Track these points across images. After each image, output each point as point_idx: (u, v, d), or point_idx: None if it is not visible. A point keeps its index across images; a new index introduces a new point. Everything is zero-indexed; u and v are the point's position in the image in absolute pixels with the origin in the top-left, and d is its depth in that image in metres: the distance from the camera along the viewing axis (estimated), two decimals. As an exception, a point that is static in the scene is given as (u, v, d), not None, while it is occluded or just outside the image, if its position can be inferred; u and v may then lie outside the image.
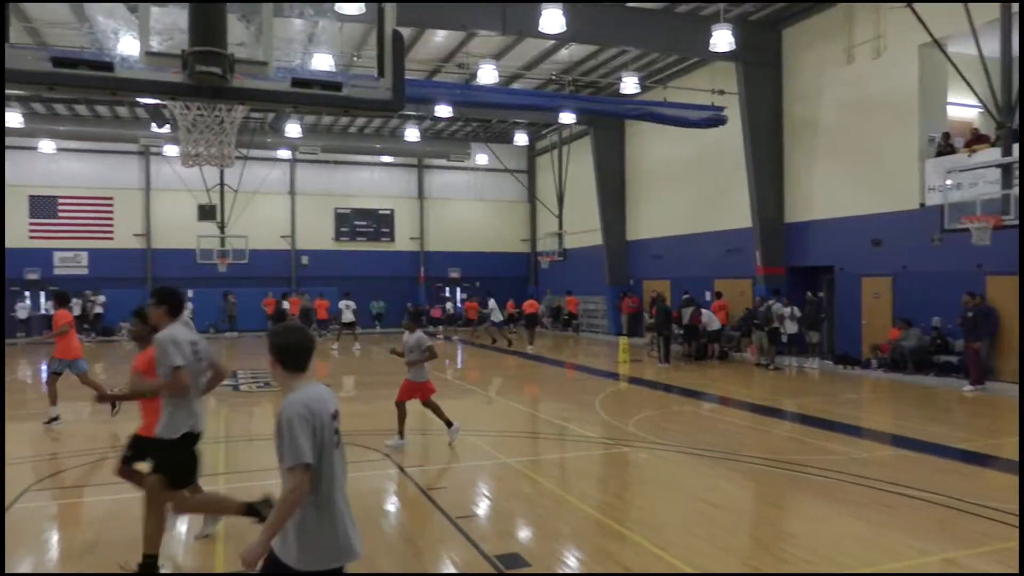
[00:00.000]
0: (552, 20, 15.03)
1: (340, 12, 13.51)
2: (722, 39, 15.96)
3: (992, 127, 13.99)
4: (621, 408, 12.66)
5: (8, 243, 29.38)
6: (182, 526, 6.36)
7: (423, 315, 9.07)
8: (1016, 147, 12.49)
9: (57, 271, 29.79)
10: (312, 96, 3.93)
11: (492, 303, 24.96)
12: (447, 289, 34.73)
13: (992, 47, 13.21)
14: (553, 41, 19.59)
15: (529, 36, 18.08)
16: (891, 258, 16.56)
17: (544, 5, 14.99)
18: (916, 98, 16.00)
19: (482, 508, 7.01)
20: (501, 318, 25.00)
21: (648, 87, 21.75)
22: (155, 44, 3.72)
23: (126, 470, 5.88)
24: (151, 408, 5.52)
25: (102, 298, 29.00)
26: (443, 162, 33.68)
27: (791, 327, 17.50)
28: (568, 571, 5.38)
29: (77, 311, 28.47)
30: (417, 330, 9.49)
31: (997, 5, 13.07)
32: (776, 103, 19.56)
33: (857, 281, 17.49)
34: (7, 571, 4.64)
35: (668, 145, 24.62)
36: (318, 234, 32.92)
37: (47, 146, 28.61)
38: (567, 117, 23.02)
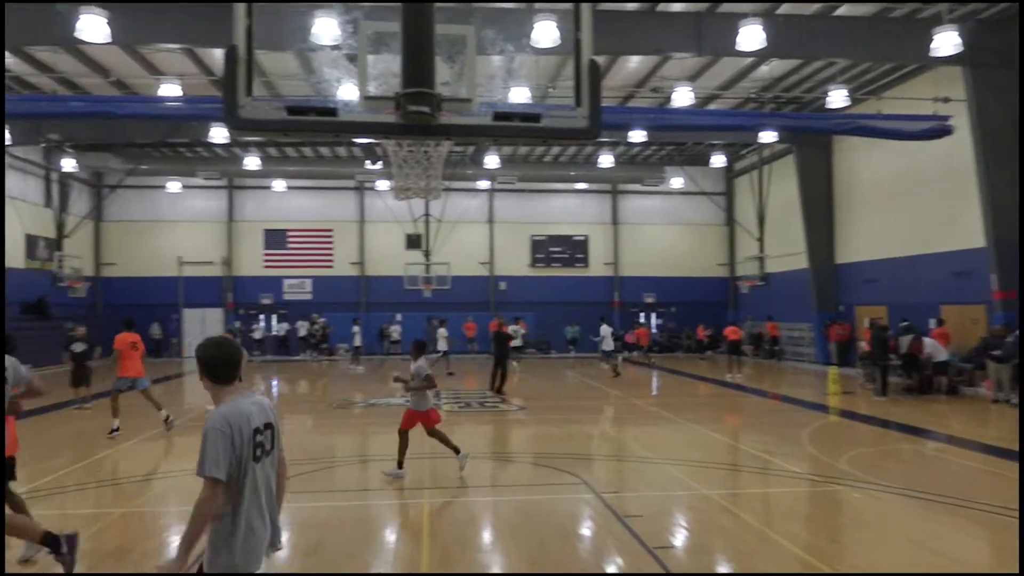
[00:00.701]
0: (751, 37, 14.52)
1: (536, 46, 13.98)
2: (946, 42, 14.59)
3: None
4: (831, 443, 11.78)
5: (247, 272, 33.29)
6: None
7: (425, 345, 9.75)
8: None
9: (286, 296, 33.24)
10: (512, 128, 4.11)
11: (604, 329, 24.01)
12: (641, 315, 34.40)
13: None
14: (752, 58, 18.96)
15: (726, 55, 17.62)
16: None
17: (743, 22, 14.55)
18: None
19: (679, 540, 6.82)
20: (611, 347, 23.73)
21: (858, 99, 20.33)
22: (372, 89, 4.09)
23: None
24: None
25: (323, 320, 31.81)
26: (637, 187, 33.56)
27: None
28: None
29: (303, 332, 31.59)
30: (420, 358, 9.36)
31: None
32: (1015, 106, 17.50)
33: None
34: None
35: (882, 160, 22.80)
36: (515, 260, 34.01)
37: (279, 185, 32.18)
38: (768, 136, 22.08)
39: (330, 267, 33.51)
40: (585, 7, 4.21)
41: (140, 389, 12.68)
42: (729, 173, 34.29)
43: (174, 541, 6.81)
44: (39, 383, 6.14)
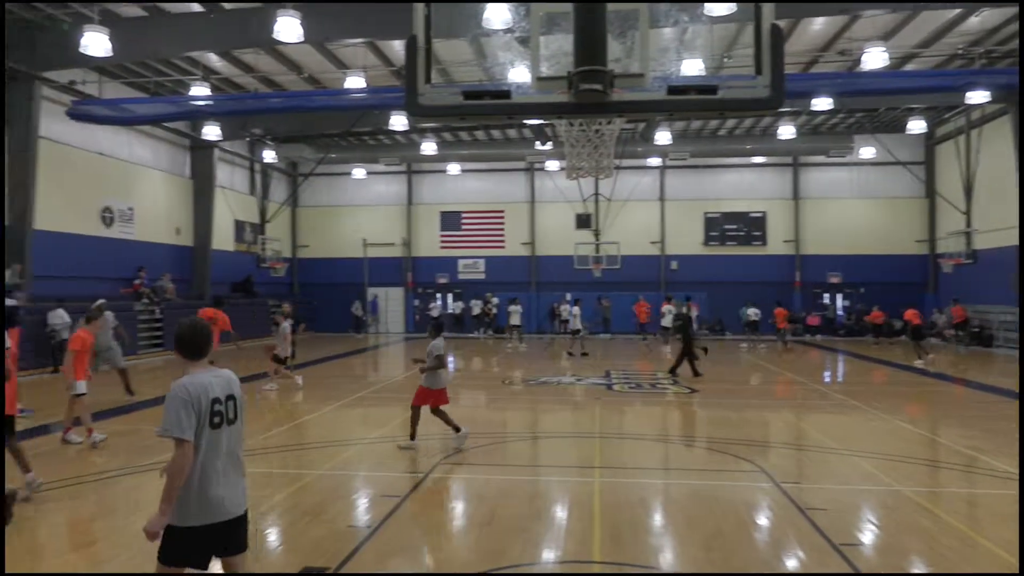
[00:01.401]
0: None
1: (711, 15, 13.43)
2: None
3: None
4: (1052, 441, 10.49)
5: (424, 252, 34.90)
6: None
7: (443, 325, 9.59)
8: None
9: (461, 276, 34.55)
10: (688, 102, 3.99)
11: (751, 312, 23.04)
12: (825, 296, 32.35)
13: None
14: (958, 10, 17.08)
15: (927, 9, 16.01)
16: None
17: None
18: None
19: (869, 537, 6.38)
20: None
21: (1092, 49, 17.75)
22: (544, 69, 4.12)
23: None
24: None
25: (496, 300, 32.74)
26: (821, 159, 31.50)
27: None
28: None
29: (476, 311, 32.71)
30: (438, 338, 9.63)
31: None
32: None
33: None
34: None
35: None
36: (687, 239, 33.14)
37: (454, 168, 33.38)
38: (978, 96, 19.86)
39: (502, 247, 34.36)
40: (767, -31, 3.98)
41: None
42: (929, 140, 31.24)
43: (362, 502, 7.34)
44: None
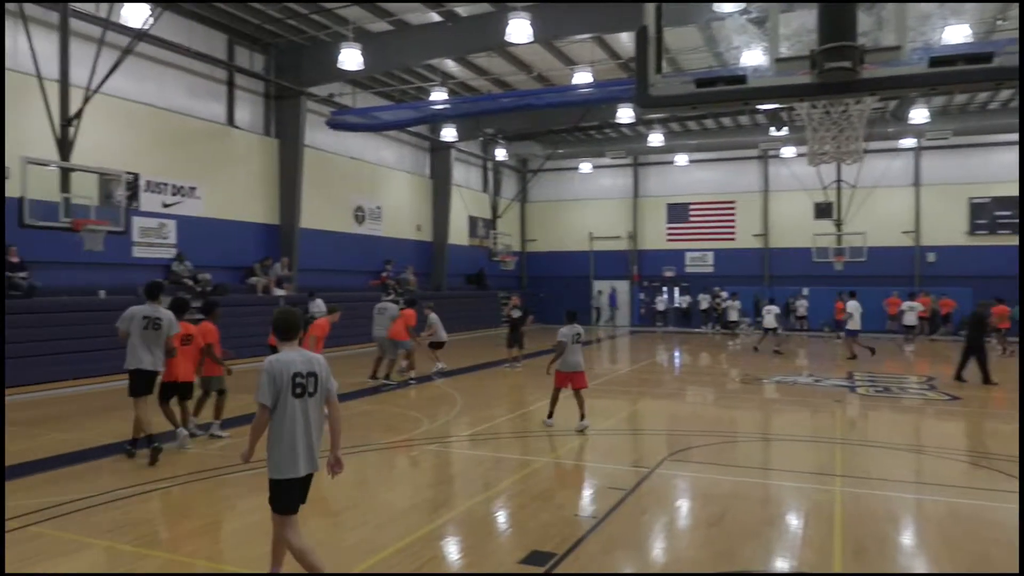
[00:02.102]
0: None
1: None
2: None
3: None
4: None
5: (650, 245, 34.54)
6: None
7: (575, 314, 11.17)
8: None
9: (688, 270, 33.78)
10: (955, 74, 3.55)
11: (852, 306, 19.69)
12: None
13: None
14: None
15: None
16: None
17: None
18: None
19: None
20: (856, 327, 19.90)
21: None
22: (784, 50, 3.89)
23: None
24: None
25: (725, 294, 31.61)
26: (1125, 131, 26.61)
27: None
28: None
29: (704, 305, 31.77)
30: (566, 326, 10.59)
31: None
32: None
33: None
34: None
35: None
36: (947, 227, 29.68)
37: (681, 159, 32.65)
38: None
39: (732, 239, 33.07)
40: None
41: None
42: None
43: (588, 492, 7.46)
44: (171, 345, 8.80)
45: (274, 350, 4.71)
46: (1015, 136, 28.19)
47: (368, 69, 19.34)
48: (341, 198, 24.43)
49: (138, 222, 16.96)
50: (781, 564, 5.57)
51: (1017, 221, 28.61)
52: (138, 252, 17.18)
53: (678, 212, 34.11)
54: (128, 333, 8.52)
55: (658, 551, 5.89)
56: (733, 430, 11.06)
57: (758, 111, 26.67)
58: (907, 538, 6.24)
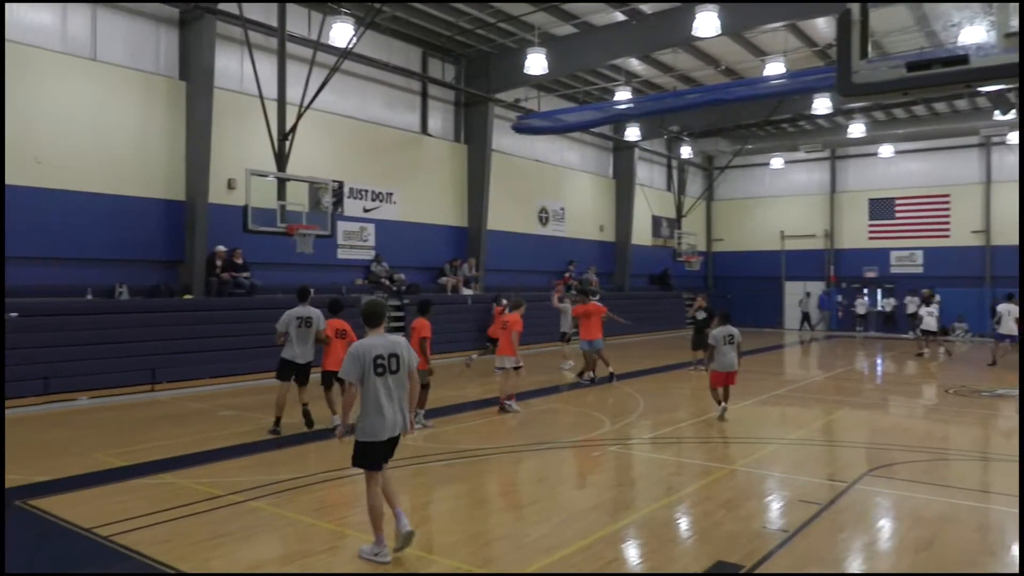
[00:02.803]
0: None
1: None
2: None
3: None
4: None
5: (849, 244, 32.18)
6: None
7: (728, 315, 11.51)
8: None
9: (893, 270, 31.08)
10: None
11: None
12: None
13: None
14: None
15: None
16: None
17: None
18: None
19: None
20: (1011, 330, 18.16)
21: None
22: (1015, 23, 3.45)
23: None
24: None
25: (938, 297, 28.68)
26: None
27: None
28: None
29: (912, 308, 28.97)
30: (717, 328, 11.16)
31: None
32: None
33: None
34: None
35: None
36: None
37: (886, 151, 30.11)
38: None
39: (945, 236, 30.01)
40: None
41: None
42: None
43: (777, 504, 7.07)
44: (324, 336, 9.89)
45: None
46: None
47: (553, 72, 19.62)
48: (526, 200, 24.97)
49: (342, 226, 18.34)
50: (1005, 600, 4.97)
51: None
52: (342, 254, 18.61)
53: (882, 207, 31.49)
54: (286, 333, 9.99)
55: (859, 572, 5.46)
56: (944, 446, 10.02)
57: (979, 94, 23.98)
58: None
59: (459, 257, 21.66)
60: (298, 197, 14.76)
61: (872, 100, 23.30)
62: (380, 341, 5.42)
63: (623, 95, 21.69)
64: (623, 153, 29.47)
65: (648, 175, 31.91)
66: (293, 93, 15.66)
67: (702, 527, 6.32)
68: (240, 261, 15.73)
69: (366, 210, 19.32)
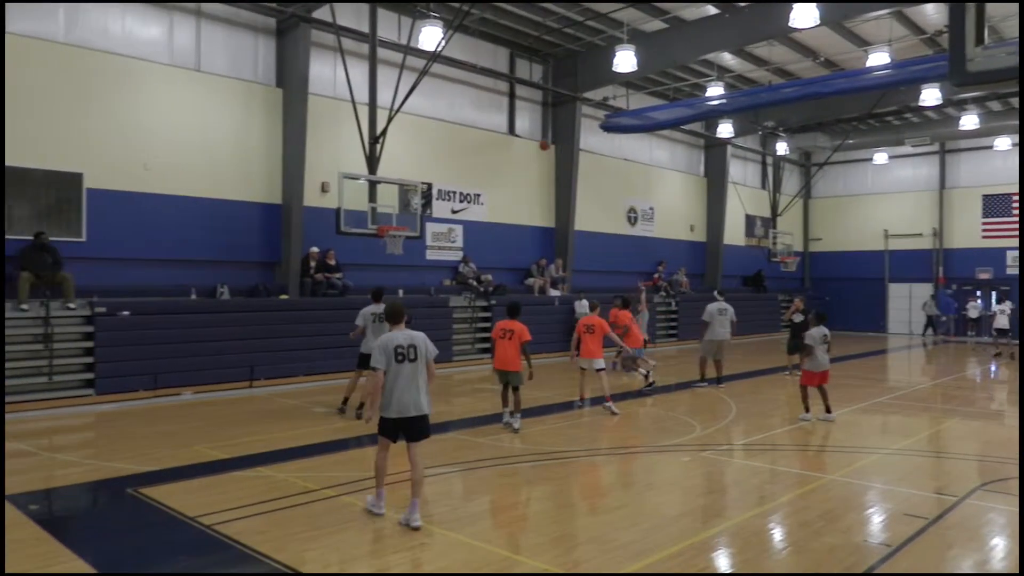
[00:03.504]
0: None
1: None
2: None
3: None
4: None
5: (960, 243, 30.51)
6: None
7: (823, 316, 11.33)
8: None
9: (1009, 271, 29.24)
10: None
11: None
12: None
13: None
14: None
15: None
16: None
17: None
18: None
19: None
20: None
21: None
22: None
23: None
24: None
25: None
26: None
27: None
28: None
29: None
30: (813, 328, 11.32)
31: None
32: None
33: None
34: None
35: None
36: None
37: (1002, 143, 28.33)
38: None
39: (1069, 235, 28.00)
40: None
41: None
42: None
43: (879, 517, 6.79)
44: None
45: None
46: None
47: (642, 70, 19.43)
48: (614, 200, 24.80)
49: (431, 227, 18.71)
50: None
51: None
52: (430, 255, 18.98)
53: (997, 204, 29.67)
54: (364, 327, 10.90)
55: (968, 593, 5.19)
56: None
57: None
58: None
59: (546, 258, 21.72)
60: (388, 199, 15.14)
61: (988, 89, 22.09)
62: (400, 335, 6.42)
63: (715, 91, 21.25)
64: (715, 151, 28.86)
65: (741, 173, 31.13)
66: (384, 97, 16.07)
67: (797, 538, 6.14)
68: (333, 262, 16.26)
69: (454, 211, 19.64)
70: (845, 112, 26.34)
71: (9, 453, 8.69)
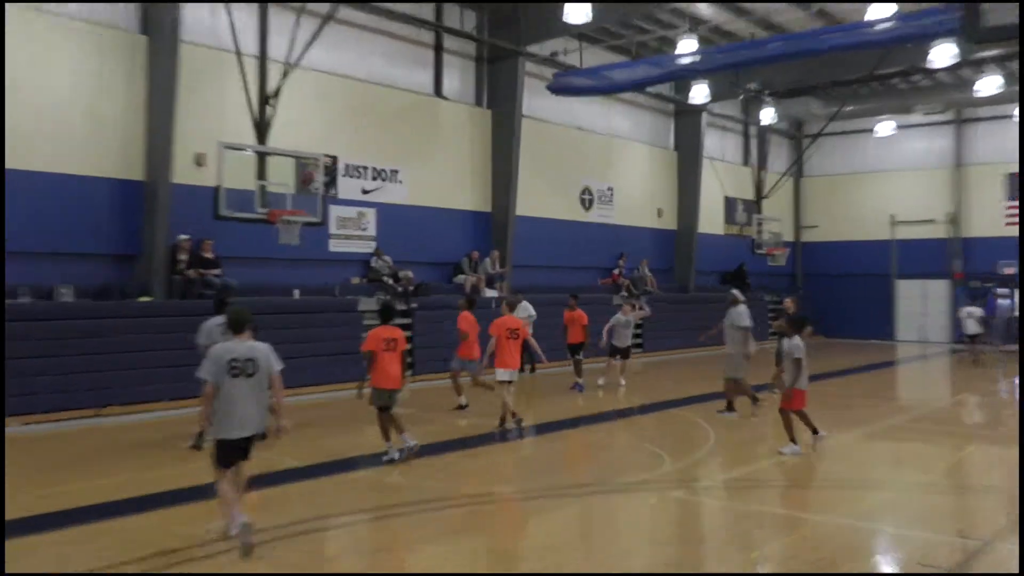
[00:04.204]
0: None
1: None
2: None
3: None
4: None
5: (979, 232, 31.44)
6: None
7: (805, 321, 11.59)
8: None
9: (1035, 265, 30.29)
10: None
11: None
12: None
13: None
14: None
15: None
16: None
17: None
18: None
19: None
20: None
21: None
22: None
23: None
24: None
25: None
26: None
27: None
28: None
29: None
30: (795, 336, 10.88)
31: None
32: None
33: None
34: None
35: None
36: None
37: (1026, 113, 29.30)
38: None
39: (1105, 222, 29.18)
40: None
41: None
42: None
43: (889, 566, 6.83)
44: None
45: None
46: None
47: (598, 19, 19.47)
48: (565, 178, 24.82)
49: (335, 212, 18.37)
50: None
51: None
52: (335, 246, 18.65)
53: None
54: (209, 345, 10.56)
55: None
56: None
57: None
58: None
59: (480, 250, 21.58)
60: (282, 176, 14.83)
61: (1009, 47, 22.75)
62: (238, 346, 6.91)
63: (687, 46, 21.41)
64: (687, 119, 29.19)
65: (719, 146, 31.55)
66: (277, 48, 15.72)
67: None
68: (210, 255, 15.80)
69: (365, 192, 19.35)
70: (843, 74, 26.89)
71: None
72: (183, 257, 15.55)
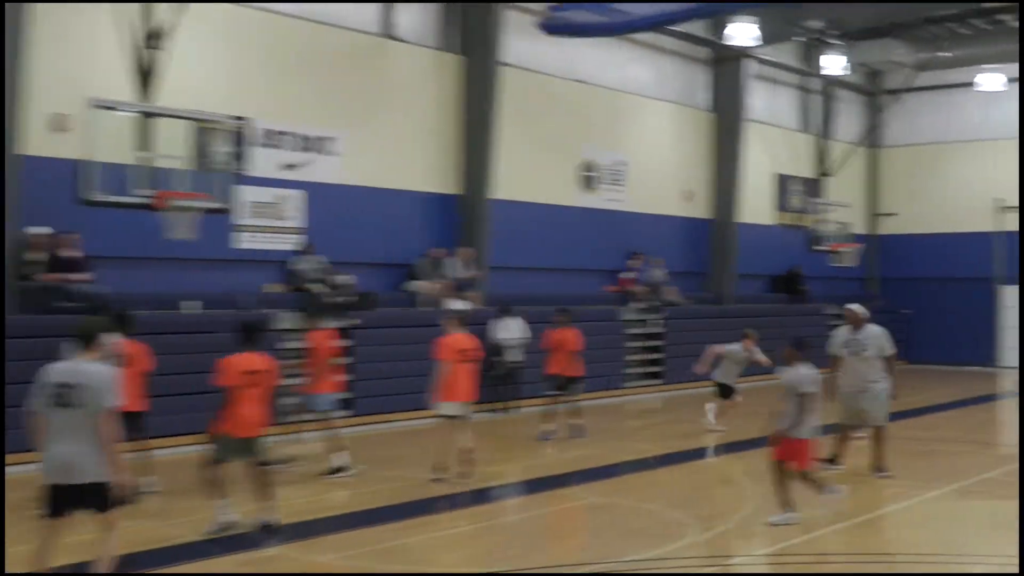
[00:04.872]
0: None
1: None
2: None
3: None
4: None
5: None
6: None
7: (803, 343, 11.08)
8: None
9: None
10: None
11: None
12: None
13: None
14: None
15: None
16: None
17: None
18: None
19: None
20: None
21: None
22: None
23: None
24: None
25: None
26: None
27: None
28: None
29: None
30: (799, 366, 10.76)
31: None
32: None
33: None
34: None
35: None
36: None
37: None
38: None
39: None
40: None
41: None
42: None
43: None
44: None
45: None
46: None
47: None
48: (559, 148, 24.79)
49: (246, 194, 18.21)
50: None
51: None
52: (247, 241, 18.48)
53: None
54: None
55: None
56: None
57: None
58: None
59: (445, 246, 21.52)
60: (173, 146, 14.79)
61: None
62: (66, 366, 7.10)
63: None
64: (727, 69, 29.26)
65: (769, 106, 31.61)
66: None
67: None
68: (75, 254, 15.69)
69: (289, 167, 19.31)
70: (934, 9, 26.98)
71: None
72: (38, 257, 15.44)
